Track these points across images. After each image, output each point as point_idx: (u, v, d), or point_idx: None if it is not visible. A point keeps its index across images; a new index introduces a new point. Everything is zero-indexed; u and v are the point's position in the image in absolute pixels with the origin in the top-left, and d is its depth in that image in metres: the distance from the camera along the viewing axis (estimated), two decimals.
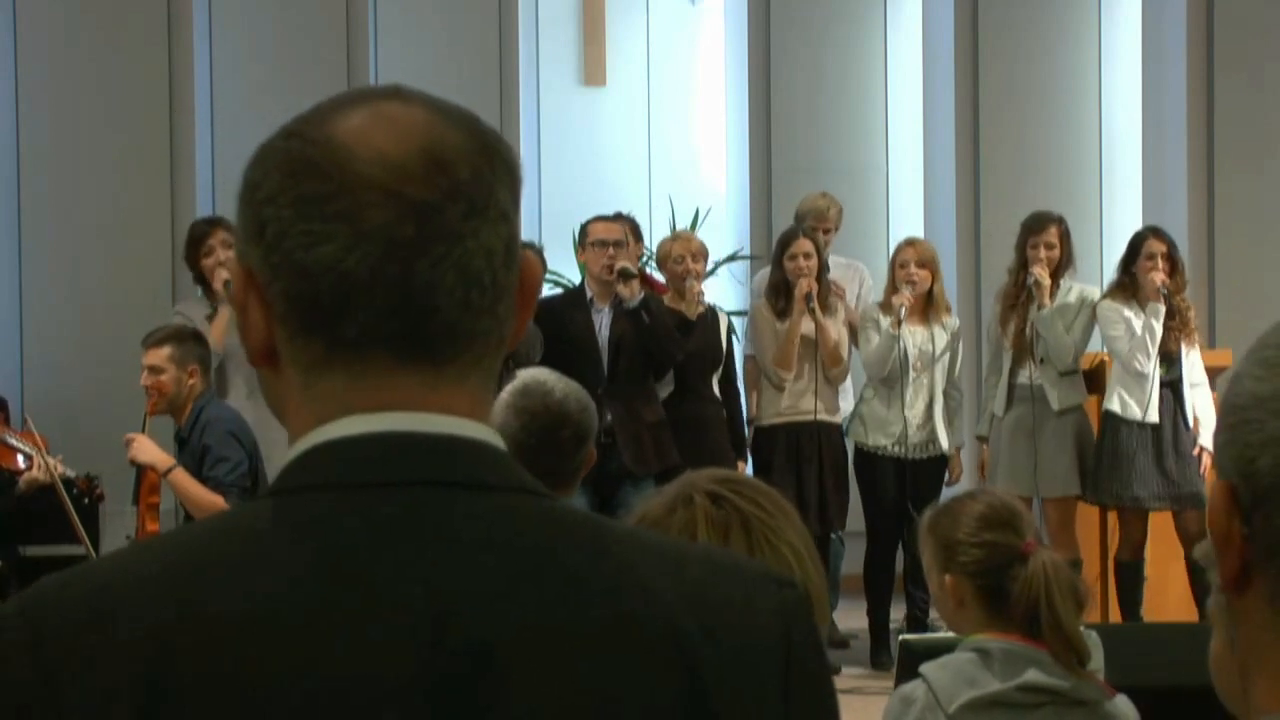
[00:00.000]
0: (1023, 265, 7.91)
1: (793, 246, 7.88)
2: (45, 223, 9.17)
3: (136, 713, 1.13)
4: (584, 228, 7.76)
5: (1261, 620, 1.10)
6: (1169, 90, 9.72)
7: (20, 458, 7.01)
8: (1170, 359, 7.72)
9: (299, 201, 1.22)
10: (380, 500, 1.19)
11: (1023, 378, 7.87)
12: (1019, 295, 7.88)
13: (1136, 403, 7.68)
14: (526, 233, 9.43)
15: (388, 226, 1.20)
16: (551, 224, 9.79)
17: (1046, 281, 7.79)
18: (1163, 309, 7.64)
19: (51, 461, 6.64)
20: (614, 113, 10.24)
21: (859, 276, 8.63)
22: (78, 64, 9.14)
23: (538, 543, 1.21)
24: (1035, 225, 7.95)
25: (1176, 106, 9.67)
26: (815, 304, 7.77)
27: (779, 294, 7.91)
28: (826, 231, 8.42)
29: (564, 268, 9.17)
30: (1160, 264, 7.71)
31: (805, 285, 7.77)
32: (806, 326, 7.83)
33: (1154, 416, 7.65)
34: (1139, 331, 7.64)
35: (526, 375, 3.76)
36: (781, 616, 1.26)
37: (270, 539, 1.19)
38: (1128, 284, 7.80)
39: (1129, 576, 7.80)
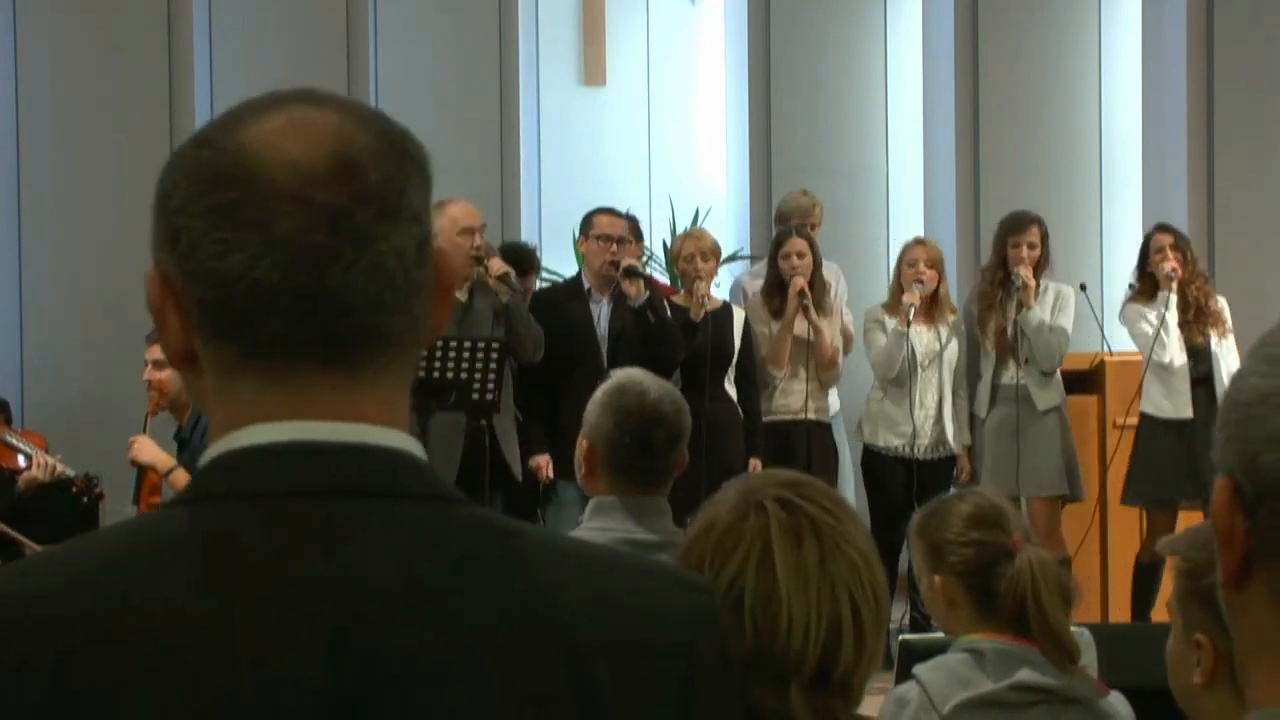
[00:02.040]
0: (1000, 264, 7.88)
1: (786, 245, 7.88)
2: (45, 223, 9.18)
3: (38, 717, 1.14)
4: (588, 218, 7.73)
5: (1262, 615, 1.10)
6: (1169, 90, 9.72)
7: (20, 458, 7.02)
8: (1198, 353, 7.69)
9: (210, 211, 1.23)
10: (285, 510, 1.20)
11: (1006, 378, 7.85)
12: (996, 295, 7.86)
13: (1169, 401, 7.66)
14: (526, 233, 9.46)
15: (298, 233, 1.22)
16: (551, 224, 9.80)
17: (1032, 282, 7.77)
18: (1174, 297, 7.64)
19: (51, 461, 6.64)
20: (614, 113, 10.24)
21: (834, 276, 8.60)
22: (78, 64, 9.14)
23: (442, 551, 1.22)
24: (1015, 225, 7.92)
25: (1176, 107, 9.67)
26: (809, 303, 7.77)
27: (773, 293, 7.92)
28: (814, 228, 8.42)
29: (564, 268, 9.17)
30: (1169, 254, 7.70)
31: (799, 284, 7.77)
32: (800, 326, 7.83)
33: (1187, 413, 7.61)
34: (1155, 323, 7.64)
35: (621, 375, 3.76)
36: (689, 623, 1.27)
37: (175, 549, 1.20)
38: (1146, 284, 7.81)
39: (1147, 577, 7.77)
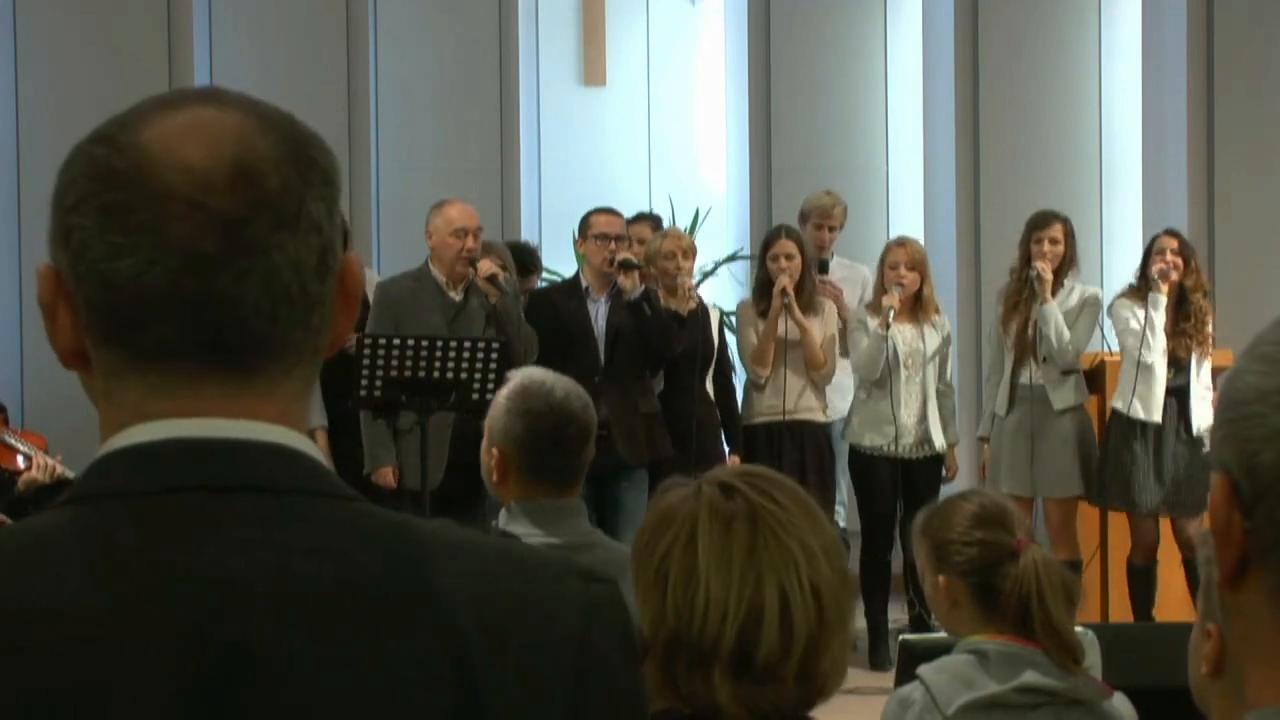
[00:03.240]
0: (1025, 263, 7.91)
1: (775, 247, 7.91)
2: (45, 222, 9.15)
3: None
4: (586, 218, 7.75)
5: (1258, 614, 1.10)
6: (1169, 90, 9.71)
7: (20, 458, 7.01)
8: (1179, 364, 7.69)
9: (102, 211, 1.21)
10: (161, 506, 1.20)
11: (1024, 378, 7.87)
12: (1021, 294, 7.87)
13: (1141, 402, 7.66)
14: (526, 233, 9.46)
15: (190, 240, 1.20)
16: (551, 224, 9.79)
17: (1049, 276, 7.79)
18: (1163, 299, 7.63)
19: (51, 461, 6.64)
20: (614, 113, 10.24)
21: (861, 280, 8.61)
22: (78, 64, 9.14)
23: (320, 545, 1.20)
24: (1039, 221, 7.96)
25: (1176, 106, 9.66)
26: (792, 302, 7.77)
27: (762, 293, 7.94)
28: (831, 229, 8.43)
29: (564, 268, 9.16)
30: (1169, 256, 7.71)
31: (783, 284, 7.78)
32: (785, 326, 7.83)
33: (1157, 417, 7.63)
34: (1141, 321, 7.64)
35: (522, 377, 3.73)
36: (582, 613, 1.25)
37: (51, 545, 1.20)
38: (1141, 284, 7.81)
39: (1140, 580, 7.77)
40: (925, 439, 7.97)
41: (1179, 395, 7.65)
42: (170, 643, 1.16)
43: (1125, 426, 7.71)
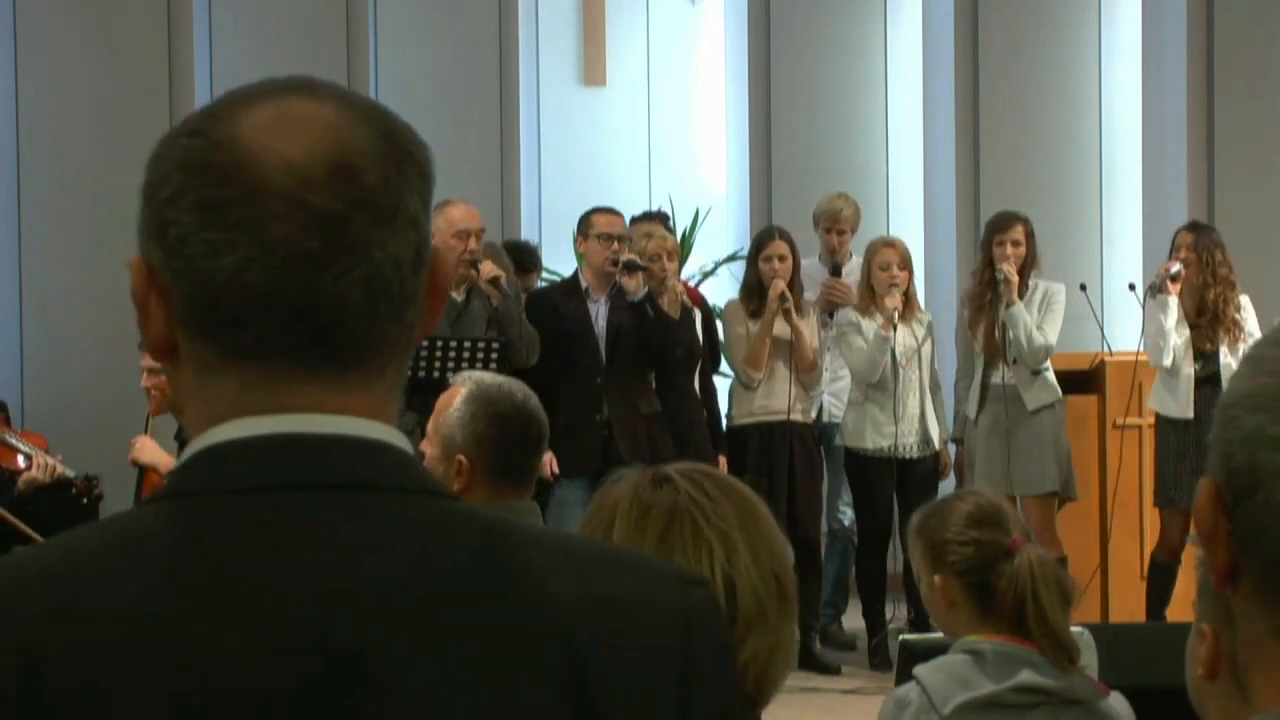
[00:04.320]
0: (988, 265, 7.88)
1: (768, 248, 7.88)
2: (45, 223, 9.17)
3: (8, 715, 1.11)
4: (586, 218, 7.75)
5: (1250, 615, 1.10)
6: (1169, 90, 9.72)
7: (20, 458, 7.01)
8: (1206, 356, 7.67)
9: (200, 207, 1.18)
10: (262, 505, 1.17)
11: (995, 379, 7.85)
12: (984, 296, 7.85)
13: (1174, 401, 7.65)
14: (526, 233, 9.46)
15: (291, 239, 1.17)
16: (551, 224, 9.79)
17: (1015, 278, 7.77)
18: (1171, 301, 7.60)
19: (51, 461, 6.64)
20: (614, 113, 10.24)
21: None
22: (78, 64, 9.14)
23: (425, 544, 1.18)
24: (1000, 224, 7.92)
25: (1176, 106, 9.67)
26: (791, 305, 7.76)
27: (752, 294, 7.91)
28: (841, 233, 8.41)
29: (564, 267, 9.16)
30: (1182, 254, 7.69)
31: (779, 286, 7.76)
32: (781, 328, 7.82)
33: (1190, 413, 7.59)
34: (1151, 327, 7.64)
35: (478, 383, 3.74)
36: (683, 618, 1.23)
37: (150, 544, 1.17)
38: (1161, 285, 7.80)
39: (1161, 577, 7.75)
40: (925, 438, 7.95)
41: (1213, 383, 7.57)
42: (272, 649, 1.13)
43: (1164, 425, 7.70)
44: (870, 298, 7.91)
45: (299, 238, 1.18)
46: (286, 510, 1.17)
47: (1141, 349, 7.86)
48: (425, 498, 1.21)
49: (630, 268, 7.44)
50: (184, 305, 1.20)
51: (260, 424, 1.19)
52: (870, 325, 7.86)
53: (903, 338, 7.89)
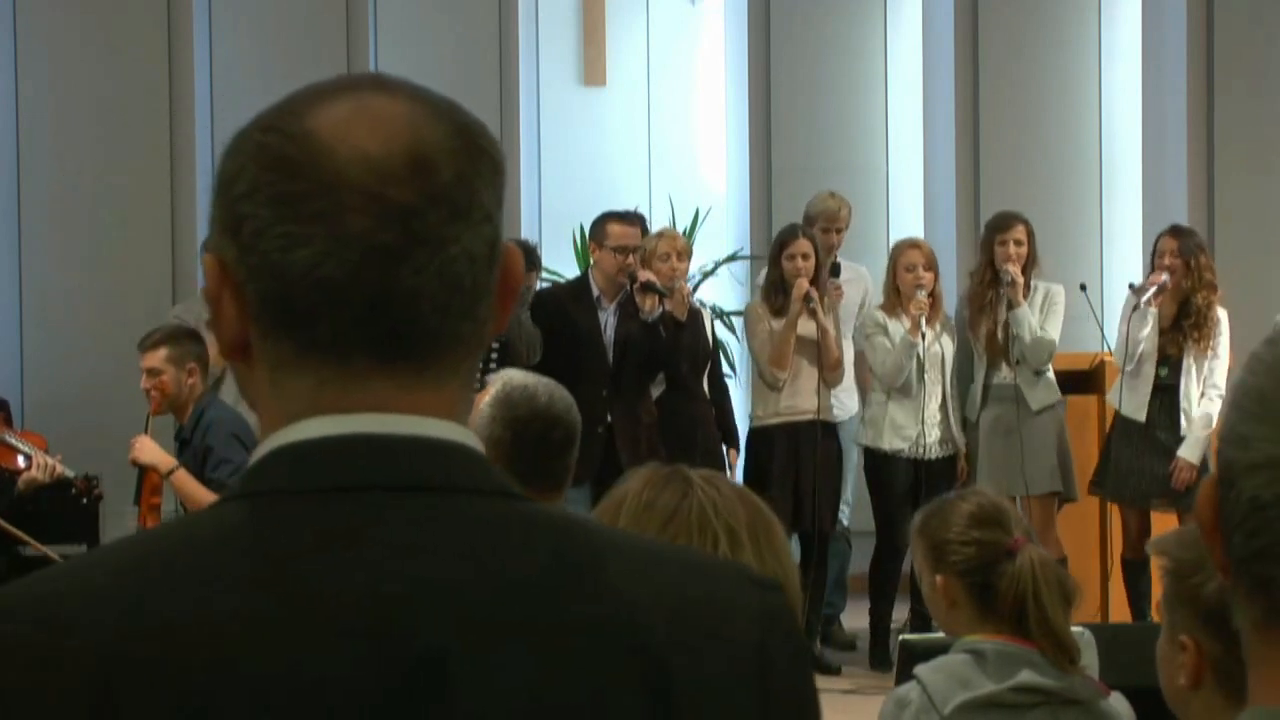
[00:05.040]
0: (988, 265, 7.87)
1: (791, 246, 7.83)
2: (45, 223, 9.18)
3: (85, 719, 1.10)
4: (601, 225, 7.72)
5: (1239, 609, 1.11)
6: (1169, 90, 9.72)
7: (20, 458, 7.01)
8: (1171, 363, 7.67)
9: (276, 201, 1.18)
10: (338, 505, 1.16)
11: (998, 378, 7.85)
12: (985, 297, 7.84)
13: (1131, 399, 7.68)
14: (526, 233, 9.46)
15: (368, 232, 1.17)
16: (551, 224, 9.80)
17: (1020, 279, 7.76)
18: (1151, 313, 7.60)
19: (51, 461, 6.63)
20: (614, 113, 10.24)
21: (863, 282, 8.57)
22: (78, 64, 9.14)
23: (502, 547, 1.17)
24: (1001, 224, 7.92)
25: (1176, 106, 9.67)
26: (817, 304, 7.73)
27: (776, 292, 7.88)
28: (838, 232, 8.39)
29: (564, 268, 9.17)
30: (1166, 260, 7.68)
31: (803, 285, 7.73)
32: (806, 327, 7.79)
33: (1142, 416, 7.64)
34: (1126, 330, 7.65)
35: (505, 384, 3.70)
36: (760, 621, 1.22)
37: (225, 545, 1.16)
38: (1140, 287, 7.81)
39: (1132, 574, 7.78)
40: (946, 438, 7.91)
41: (1170, 394, 7.62)
42: (354, 653, 1.12)
43: (1120, 422, 7.74)
44: (896, 298, 7.88)
45: (375, 231, 1.17)
46: (363, 512, 1.16)
47: (1111, 349, 7.91)
48: (501, 499, 1.20)
49: (648, 289, 7.42)
50: (258, 301, 1.19)
51: (336, 423, 1.18)
52: (897, 327, 7.81)
53: (928, 340, 7.84)
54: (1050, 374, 7.87)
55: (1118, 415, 7.78)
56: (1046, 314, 7.83)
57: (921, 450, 7.86)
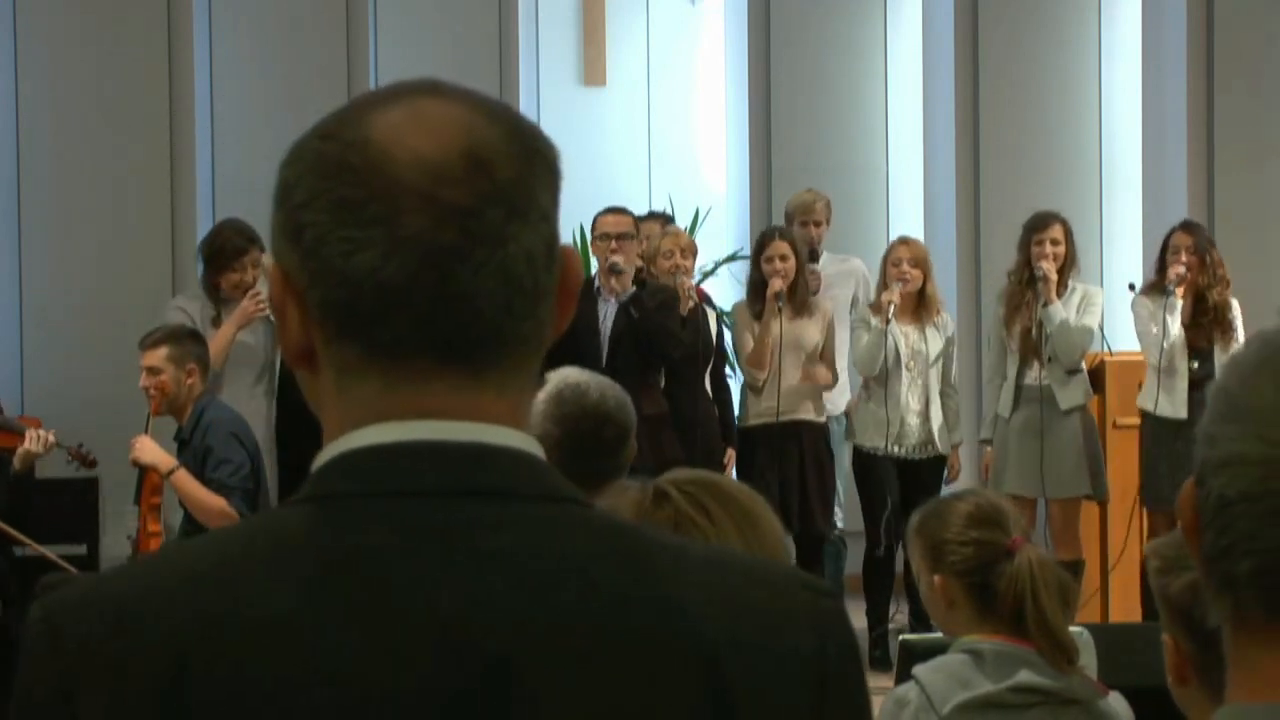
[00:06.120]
0: (1025, 264, 7.90)
1: (769, 248, 7.88)
2: (45, 223, 9.17)
3: (156, 718, 1.12)
4: (595, 219, 7.80)
5: (1215, 609, 1.12)
6: (1169, 90, 9.72)
7: (15, 436, 7.00)
8: (1202, 355, 7.67)
9: (335, 206, 1.19)
10: (405, 511, 1.17)
11: (1029, 379, 7.86)
12: (1023, 295, 7.86)
13: (1167, 399, 7.66)
14: None
15: (426, 233, 1.18)
16: None
17: (1054, 276, 7.79)
18: (1178, 303, 7.62)
19: (44, 434, 6.60)
20: (614, 113, 10.24)
21: (855, 274, 8.61)
22: (78, 64, 9.14)
23: (564, 552, 1.18)
24: (1038, 223, 7.96)
25: (1176, 106, 9.67)
26: (784, 305, 7.75)
27: (757, 295, 7.91)
28: (817, 225, 8.43)
29: None
30: (1184, 256, 7.70)
31: (776, 285, 7.76)
32: (791, 329, 7.80)
33: (1184, 414, 7.60)
34: (1153, 327, 7.65)
35: (558, 381, 3.70)
36: (818, 628, 1.23)
37: (295, 548, 1.17)
38: (1158, 280, 7.82)
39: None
40: (929, 440, 7.95)
41: (1203, 387, 7.59)
42: (421, 658, 1.13)
43: (1154, 425, 7.71)
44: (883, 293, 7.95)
45: (434, 232, 1.18)
46: (429, 517, 1.17)
47: (1140, 347, 7.88)
48: (563, 505, 1.21)
49: (612, 270, 7.47)
50: (321, 307, 1.20)
51: (401, 429, 1.19)
52: (876, 320, 7.88)
53: (911, 338, 7.88)
54: (1084, 373, 7.88)
55: (1148, 420, 7.75)
56: (1083, 314, 7.85)
57: (904, 450, 7.88)
